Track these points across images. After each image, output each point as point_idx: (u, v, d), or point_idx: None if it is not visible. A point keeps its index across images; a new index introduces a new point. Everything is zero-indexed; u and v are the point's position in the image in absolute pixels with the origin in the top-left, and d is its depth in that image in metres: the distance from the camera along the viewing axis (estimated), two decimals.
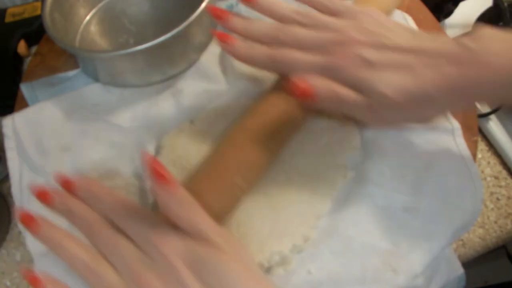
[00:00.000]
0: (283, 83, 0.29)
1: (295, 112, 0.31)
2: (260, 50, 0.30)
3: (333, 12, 0.31)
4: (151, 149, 0.35)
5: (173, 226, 0.24)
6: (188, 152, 0.34)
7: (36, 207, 0.32)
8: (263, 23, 0.31)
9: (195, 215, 0.24)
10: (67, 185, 0.27)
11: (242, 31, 0.31)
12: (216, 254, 0.23)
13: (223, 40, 0.30)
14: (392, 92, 0.26)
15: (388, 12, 0.37)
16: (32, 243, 0.31)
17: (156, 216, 0.26)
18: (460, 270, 0.30)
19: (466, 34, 0.26)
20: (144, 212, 0.26)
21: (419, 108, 0.27)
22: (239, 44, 0.30)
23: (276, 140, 0.31)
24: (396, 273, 0.28)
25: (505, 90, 0.25)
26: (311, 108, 0.32)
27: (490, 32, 0.26)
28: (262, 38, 0.31)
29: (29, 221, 0.26)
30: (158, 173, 0.23)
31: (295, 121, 0.32)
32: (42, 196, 0.26)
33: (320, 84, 0.27)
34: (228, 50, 0.31)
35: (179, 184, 0.24)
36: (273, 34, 0.30)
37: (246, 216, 0.31)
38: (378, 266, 0.29)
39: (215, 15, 0.31)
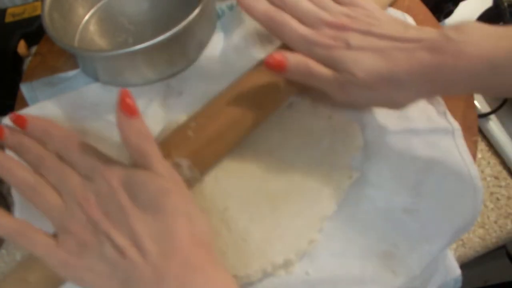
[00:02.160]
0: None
1: (273, 84, 0.33)
2: (263, 5, 0.32)
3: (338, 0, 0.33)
4: None
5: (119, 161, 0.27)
6: None
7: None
8: None
9: (146, 145, 0.26)
10: (20, 121, 0.28)
11: None
12: (152, 176, 0.25)
13: None
14: (361, 72, 0.28)
15: (382, 7, 0.38)
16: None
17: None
18: (457, 272, 0.30)
19: (452, 26, 0.27)
20: (92, 146, 0.28)
21: (387, 90, 0.28)
22: None
23: (246, 103, 0.32)
24: (396, 274, 0.28)
25: (479, 80, 0.26)
26: (294, 84, 0.33)
27: (474, 25, 0.26)
28: None
29: None
30: (126, 103, 0.25)
31: (272, 93, 0.33)
32: None
33: (293, 58, 0.30)
34: None
35: (141, 118, 0.26)
36: None
37: (249, 221, 0.30)
38: (377, 268, 0.29)
39: None
